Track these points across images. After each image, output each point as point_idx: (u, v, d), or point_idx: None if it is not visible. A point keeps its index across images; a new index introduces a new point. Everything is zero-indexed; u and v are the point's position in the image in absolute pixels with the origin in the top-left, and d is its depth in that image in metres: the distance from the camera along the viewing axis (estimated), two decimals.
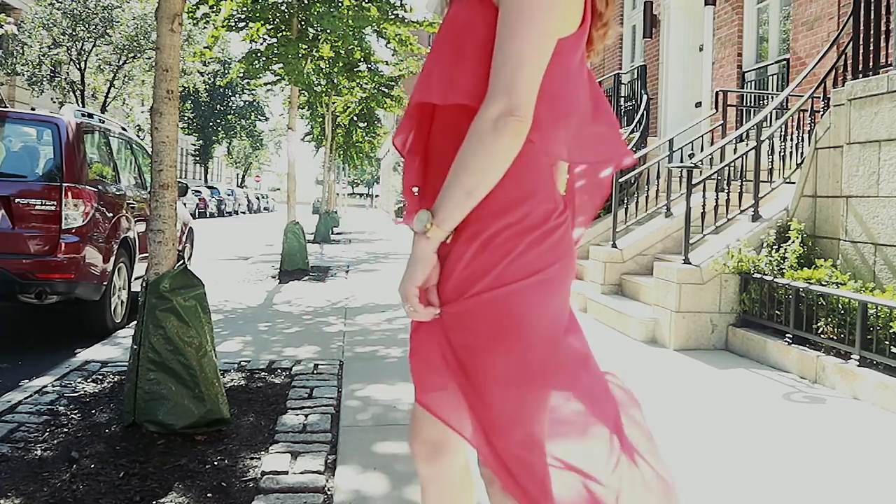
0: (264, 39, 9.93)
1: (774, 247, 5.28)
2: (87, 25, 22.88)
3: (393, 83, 15.14)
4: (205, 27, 9.82)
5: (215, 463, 2.87)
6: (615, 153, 1.46)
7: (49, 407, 3.52)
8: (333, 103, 16.13)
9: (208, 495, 2.57)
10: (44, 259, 5.14)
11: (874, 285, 4.55)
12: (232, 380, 4.08)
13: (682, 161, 7.82)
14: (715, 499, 2.68)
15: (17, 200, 5.14)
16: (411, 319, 1.41)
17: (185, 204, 11.51)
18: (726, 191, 6.21)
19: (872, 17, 5.17)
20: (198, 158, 51.57)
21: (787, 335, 4.71)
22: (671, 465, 1.56)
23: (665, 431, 3.42)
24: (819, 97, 6.50)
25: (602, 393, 1.52)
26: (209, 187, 39.41)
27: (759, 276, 5.07)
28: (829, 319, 4.39)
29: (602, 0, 1.37)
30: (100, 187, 5.70)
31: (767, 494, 2.71)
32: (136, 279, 6.32)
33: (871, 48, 5.17)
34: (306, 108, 17.62)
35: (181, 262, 3.31)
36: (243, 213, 45.75)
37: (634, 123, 9.60)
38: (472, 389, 1.34)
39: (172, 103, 3.26)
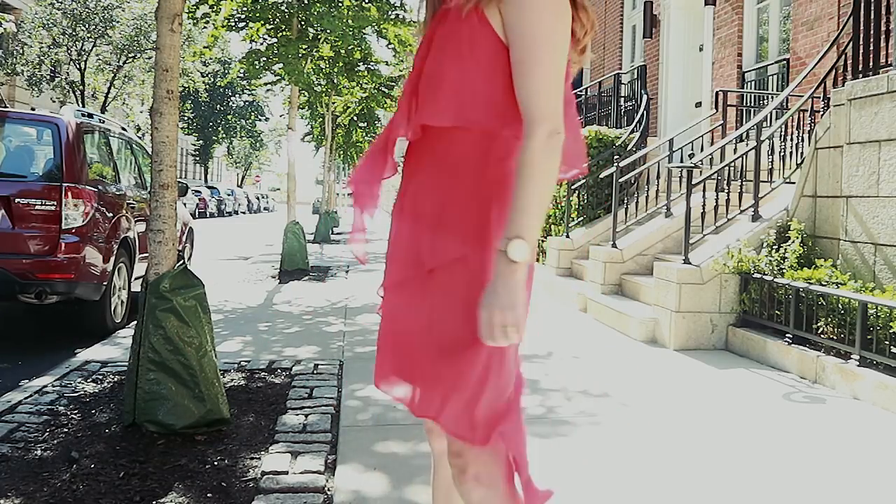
0: (264, 39, 9.93)
1: (774, 247, 5.28)
2: (87, 25, 22.89)
3: (393, 83, 15.13)
4: (205, 27, 9.82)
5: (215, 463, 2.87)
6: (579, 161, 1.57)
7: (49, 407, 3.52)
8: (333, 103, 16.12)
9: (208, 495, 2.57)
10: (44, 259, 5.14)
11: (874, 285, 4.55)
12: (232, 380, 4.08)
13: (682, 161, 7.83)
14: (715, 499, 2.68)
15: (17, 200, 5.14)
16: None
17: (185, 204, 11.51)
18: (726, 191, 6.21)
19: (872, 17, 5.17)
20: (198, 158, 51.56)
21: (787, 335, 4.71)
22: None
23: (665, 431, 3.42)
24: (819, 97, 6.50)
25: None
26: (209, 187, 39.41)
27: (759, 276, 5.07)
28: (829, 319, 4.38)
29: (581, 28, 1.47)
30: (100, 187, 5.70)
31: (767, 494, 2.71)
32: (136, 279, 6.32)
33: (871, 48, 5.17)
34: (306, 108, 17.60)
35: (181, 262, 3.31)
36: (243, 213, 45.74)
37: (634, 123, 9.59)
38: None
39: (172, 103, 3.26)
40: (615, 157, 8.26)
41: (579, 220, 8.88)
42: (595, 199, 9.01)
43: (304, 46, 9.71)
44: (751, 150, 5.98)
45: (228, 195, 41.97)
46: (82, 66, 23.95)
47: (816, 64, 6.56)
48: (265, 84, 11.67)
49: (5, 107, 17.25)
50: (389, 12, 9.71)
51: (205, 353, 3.19)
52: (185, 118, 47.14)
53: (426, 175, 1.47)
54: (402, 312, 1.49)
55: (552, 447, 3.14)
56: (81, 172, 5.45)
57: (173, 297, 3.16)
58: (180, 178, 19.20)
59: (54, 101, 23.32)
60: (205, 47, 10.78)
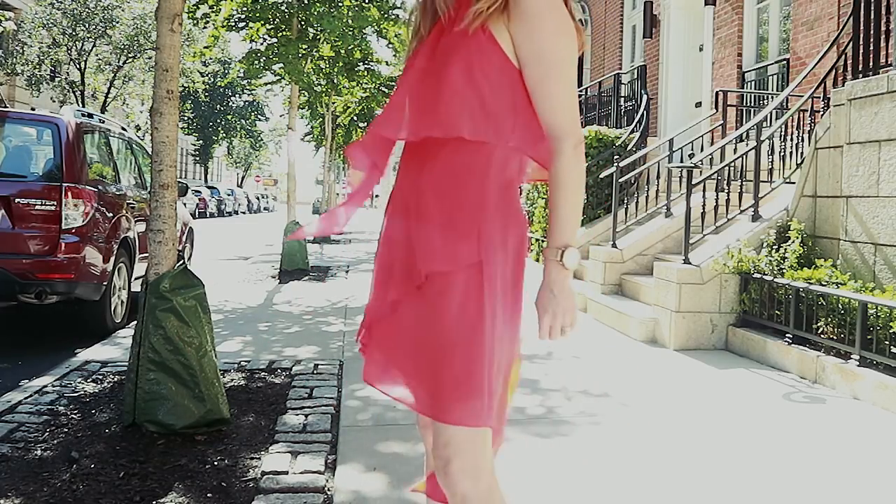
0: (264, 39, 9.93)
1: (774, 247, 5.28)
2: (87, 25, 22.89)
3: (393, 83, 15.12)
4: (205, 27, 9.82)
5: (215, 463, 2.87)
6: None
7: (49, 407, 3.52)
8: (333, 103, 16.12)
9: (208, 495, 2.57)
10: (44, 259, 5.14)
11: (874, 285, 4.55)
12: (232, 380, 4.08)
13: (682, 161, 7.83)
14: (715, 499, 2.68)
15: (17, 200, 5.14)
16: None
17: (184, 204, 11.50)
18: (726, 191, 6.21)
19: (872, 17, 5.17)
20: (198, 158, 51.56)
21: (787, 335, 4.71)
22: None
23: (665, 431, 3.42)
24: (819, 97, 6.50)
25: None
26: (209, 187, 39.41)
27: (759, 276, 5.07)
28: (829, 319, 4.38)
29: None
30: (100, 187, 5.70)
31: (767, 495, 2.71)
32: (136, 279, 6.32)
33: (871, 48, 5.17)
34: (306, 108, 17.61)
35: (181, 262, 3.31)
36: (243, 213, 45.74)
37: (634, 123, 9.59)
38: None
39: (172, 103, 3.26)
40: (615, 157, 8.26)
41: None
42: (595, 199, 9.01)
43: (304, 46, 9.71)
44: (751, 150, 5.98)
45: (228, 195, 41.97)
46: (82, 66, 23.95)
47: (816, 64, 6.56)
48: (265, 84, 11.68)
49: (5, 107, 17.25)
50: (389, 12, 9.71)
51: (205, 353, 3.19)
52: (185, 118, 47.14)
53: (431, 180, 1.50)
54: (407, 312, 1.53)
55: (552, 447, 3.14)
56: (81, 172, 5.45)
57: (173, 297, 3.16)
58: (180, 178, 19.20)
59: (54, 101, 23.32)
60: (205, 47, 10.78)
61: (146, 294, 3.18)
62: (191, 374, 3.14)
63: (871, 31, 5.18)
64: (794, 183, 5.86)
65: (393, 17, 9.80)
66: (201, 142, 50.48)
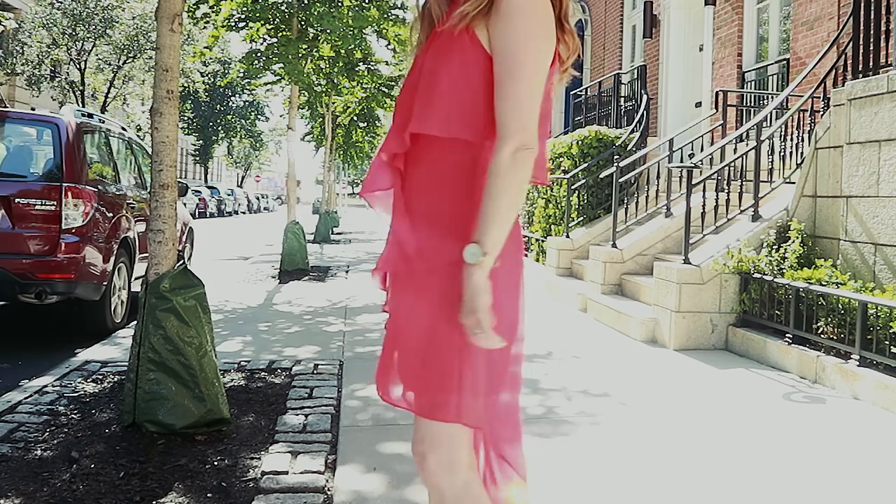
0: (264, 39, 9.93)
1: (774, 247, 5.28)
2: (87, 25, 22.88)
3: (393, 83, 15.13)
4: (205, 27, 9.82)
5: (215, 463, 2.87)
6: (542, 173, 1.62)
7: (49, 407, 3.52)
8: (333, 103, 16.12)
9: (208, 495, 2.57)
10: (44, 259, 5.14)
11: (874, 285, 4.55)
12: (232, 380, 4.08)
13: (682, 161, 7.82)
14: (715, 498, 2.68)
15: (17, 200, 5.14)
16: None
17: (184, 204, 11.50)
18: (726, 191, 6.22)
19: (872, 17, 5.17)
20: (198, 158, 51.54)
21: (787, 335, 4.71)
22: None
23: (665, 431, 3.42)
24: (819, 97, 6.49)
25: None
26: (209, 187, 39.40)
27: (759, 276, 5.07)
28: (829, 319, 4.38)
29: (566, 50, 1.56)
30: (100, 187, 5.70)
31: (767, 495, 2.71)
32: (136, 279, 6.32)
33: (871, 48, 5.17)
34: (306, 108, 17.60)
35: (181, 262, 3.31)
36: (243, 213, 45.74)
37: (634, 123, 9.60)
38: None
39: (172, 103, 3.26)
40: (615, 157, 8.26)
41: (579, 220, 8.88)
42: (595, 199, 9.01)
43: (304, 46, 9.70)
44: (751, 150, 5.98)
45: (228, 195, 41.96)
46: (82, 66, 23.95)
47: (816, 64, 6.56)
48: (265, 84, 11.67)
49: (5, 107, 17.25)
50: (389, 12, 9.70)
51: (205, 353, 3.19)
52: (185, 118, 47.11)
53: (419, 180, 1.54)
54: (399, 311, 1.57)
55: (552, 447, 3.14)
56: (81, 172, 5.45)
57: (173, 297, 3.16)
58: (180, 178, 19.19)
59: (54, 100, 23.32)
60: (205, 47, 10.78)
61: (146, 294, 3.18)
62: (191, 374, 3.14)
63: (871, 31, 5.18)
64: (794, 183, 5.86)
65: (393, 17, 9.79)
66: (201, 142, 50.45)
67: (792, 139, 6.81)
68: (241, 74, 10.48)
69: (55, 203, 5.20)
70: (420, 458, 1.52)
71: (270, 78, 11.08)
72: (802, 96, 6.48)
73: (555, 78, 1.59)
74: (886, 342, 3.92)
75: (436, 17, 1.56)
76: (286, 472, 2.76)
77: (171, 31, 3.22)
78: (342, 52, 10.75)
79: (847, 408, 3.87)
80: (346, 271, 10.23)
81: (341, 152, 22.41)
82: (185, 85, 28.53)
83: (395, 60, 15.49)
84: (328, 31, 9.14)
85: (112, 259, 5.72)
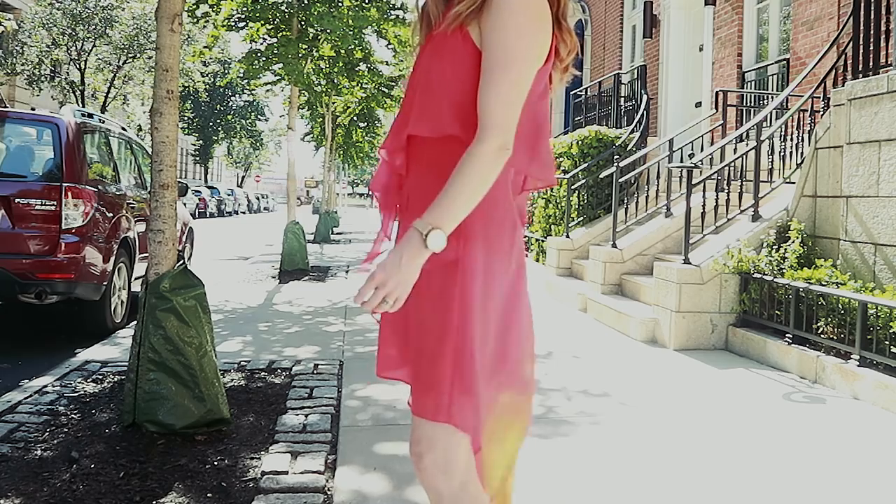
0: (264, 39, 9.93)
1: (774, 247, 5.28)
2: (86, 25, 22.88)
3: (393, 83, 15.13)
4: (205, 27, 9.82)
5: (215, 463, 2.87)
6: (551, 174, 1.62)
7: (49, 407, 3.52)
8: (333, 103, 16.11)
9: (208, 495, 2.57)
10: (44, 259, 5.14)
11: (874, 285, 4.55)
12: (232, 380, 4.08)
13: (682, 161, 7.82)
14: (715, 498, 2.68)
15: (17, 200, 5.14)
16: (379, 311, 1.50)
17: (184, 204, 11.50)
18: (726, 191, 6.22)
19: (872, 17, 5.17)
20: (198, 158, 51.53)
21: (787, 335, 4.71)
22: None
23: (665, 431, 3.42)
24: (819, 97, 6.49)
25: None
26: (209, 187, 39.39)
27: (759, 276, 5.07)
28: (829, 319, 4.38)
29: (565, 48, 1.55)
30: (100, 187, 5.70)
31: (767, 495, 2.71)
32: (136, 279, 6.32)
33: (871, 48, 5.17)
34: (306, 108, 17.60)
35: (181, 262, 3.31)
36: (243, 213, 45.74)
37: (634, 123, 9.60)
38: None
39: (172, 103, 3.26)
40: (615, 157, 8.26)
41: (579, 220, 8.88)
42: (595, 199, 9.01)
43: (304, 46, 9.70)
44: (751, 150, 5.98)
45: (228, 195, 41.96)
46: (82, 65, 23.94)
47: (816, 64, 6.56)
48: (265, 84, 11.67)
49: (5, 107, 17.24)
50: (389, 12, 9.70)
51: (205, 353, 3.19)
52: (185, 118, 47.10)
53: (418, 181, 1.55)
54: (402, 310, 1.54)
55: (552, 447, 3.14)
56: (81, 172, 5.45)
57: (173, 297, 3.16)
58: (180, 178, 19.19)
59: (54, 100, 23.32)
60: (205, 47, 10.78)
61: (146, 294, 3.18)
62: (191, 374, 3.14)
63: (871, 31, 5.18)
64: (794, 183, 5.86)
65: (393, 17, 9.79)
66: (201, 142, 50.45)
67: (792, 139, 6.81)
68: (241, 74, 10.48)
69: (55, 203, 5.20)
70: (417, 459, 1.52)
71: (270, 78, 11.09)
72: (802, 96, 6.48)
73: (555, 77, 1.58)
74: (886, 342, 3.92)
75: (433, 19, 1.57)
76: (286, 472, 2.76)
77: (171, 31, 3.22)
78: (342, 52, 10.75)
79: (847, 408, 3.87)
80: (346, 271, 10.24)
81: (341, 152, 22.40)
82: (185, 85, 28.54)
83: (395, 60, 15.48)
84: (328, 31, 9.14)
85: (112, 259, 5.72)
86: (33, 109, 11.15)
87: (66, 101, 23.45)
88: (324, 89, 12.69)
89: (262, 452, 2.98)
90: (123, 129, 7.23)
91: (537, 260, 9.65)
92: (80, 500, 2.51)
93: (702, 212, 5.98)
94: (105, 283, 5.60)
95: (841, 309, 4.29)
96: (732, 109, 8.93)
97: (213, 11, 9.27)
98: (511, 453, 1.69)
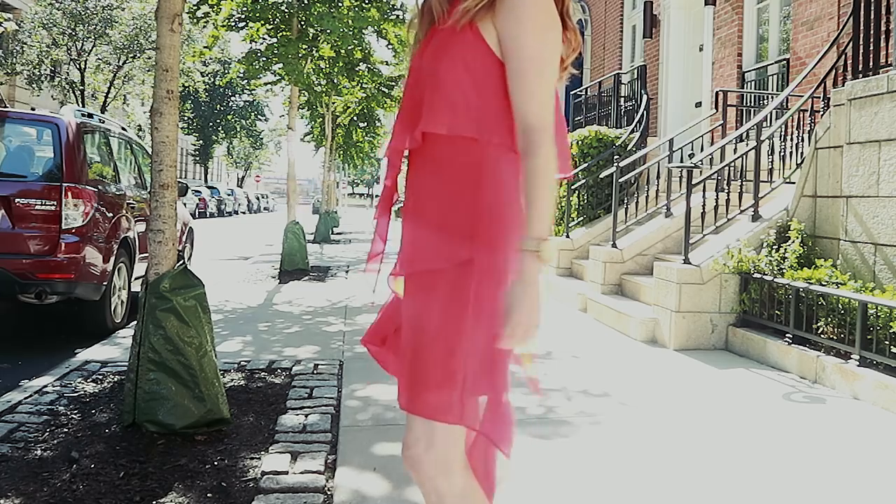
0: (264, 39, 9.93)
1: (774, 247, 5.28)
2: (86, 25, 22.88)
3: (393, 83, 15.13)
4: (205, 27, 9.82)
5: (215, 463, 2.87)
6: (566, 167, 1.64)
7: (49, 407, 3.52)
8: (333, 103, 16.11)
9: (208, 495, 2.57)
10: (44, 259, 5.14)
11: (874, 285, 4.55)
12: (232, 380, 4.08)
13: (682, 161, 7.82)
14: (715, 498, 2.68)
15: (17, 200, 5.14)
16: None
17: (185, 205, 11.50)
18: (726, 191, 6.21)
19: (872, 17, 5.17)
20: (198, 158, 51.54)
21: (787, 335, 4.71)
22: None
23: (665, 431, 3.42)
24: (819, 97, 6.49)
25: None
26: (209, 187, 39.40)
27: (759, 276, 5.07)
28: (829, 319, 4.38)
29: (567, 46, 1.58)
30: (100, 187, 5.70)
31: (767, 495, 2.71)
32: (136, 279, 6.32)
33: (871, 48, 5.17)
34: (306, 108, 17.60)
35: (181, 262, 3.31)
36: (243, 213, 45.74)
37: (634, 123, 9.60)
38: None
39: (172, 103, 3.26)
40: (615, 157, 8.26)
41: (579, 220, 8.88)
42: (595, 199, 9.01)
43: (304, 46, 9.70)
44: (751, 150, 5.98)
45: (228, 195, 41.96)
46: (82, 65, 23.94)
47: (816, 64, 6.56)
48: (265, 84, 11.67)
49: (5, 107, 17.24)
50: (389, 12, 9.70)
51: (205, 353, 3.19)
52: (185, 118, 47.11)
53: (428, 180, 1.53)
54: (411, 310, 1.54)
55: (552, 447, 3.14)
56: (81, 172, 5.45)
57: (173, 297, 3.16)
58: (180, 178, 19.18)
59: (54, 100, 23.32)
60: (205, 47, 10.78)
61: (146, 294, 3.18)
62: (191, 374, 3.14)
63: (871, 31, 5.18)
64: (794, 183, 5.86)
65: (393, 17, 9.79)
66: (201, 142, 50.46)
67: (792, 139, 6.81)
68: (241, 74, 10.48)
69: (55, 203, 5.20)
70: (414, 462, 1.50)
71: (270, 78, 11.09)
72: (802, 96, 6.48)
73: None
74: (886, 342, 3.92)
75: (436, 14, 1.54)
76: (286, 472, 2.76)
77: (171, 31, 3.22)
78: (342, 52, 10.75)
79: (847, 408, 3.87)
80: (346, 271, 10.24)
81: (341, 152, 22.40)
82: (185, 85, 28.54)
83: (395, 60, 15.48)
84: (328, 31, 9.14)
85: (112, 259, 5.72)
86: (33, 109, 11.15)
87: (66, 101, 23.45)
88: (324, 89, 12.69)
89: (262, 452, 2.98)
90: (123, 129, 7.23)
91: None
92: (80, 500, 2.51)
93: (702, 212, 5.98)
94: (105, 283, 5.60)
95: (841, 309, 4.29)
96: (732, 109, 8.93)
97: (213, 12, 9.28)
98: None
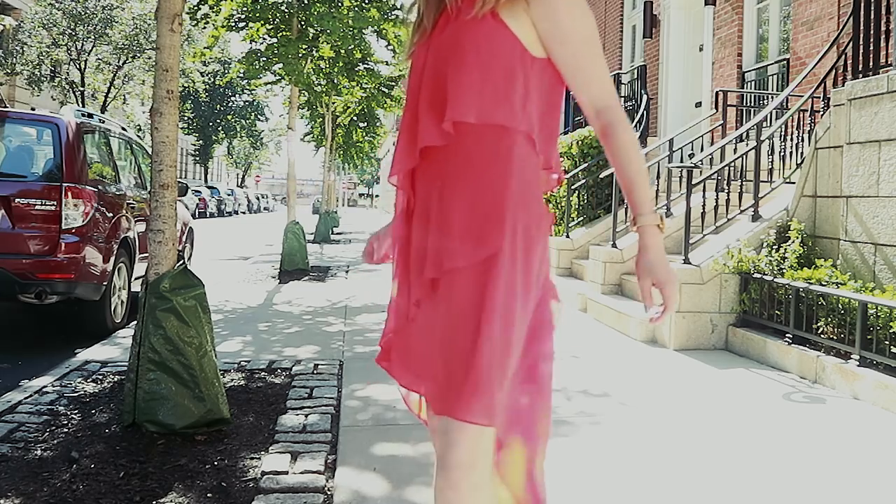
0: (264, 39, 9.93)
1: (774, 247, 5.28)
2: (86, 25, 22.88)
3: (393, 83, 15.13)
4: (205, 27, 9.82)
5: (215, 463, 2.87)
6: (559, 168, 1.67)
7: (49, 407, 3.52)
8: (333, 103, 16.12)
9: (208, 495, 2.57)
10: (44, 259, 5.14)
11: (874, 285, 4.55)
12: (232, 380, 4.08)
13: (682, 161, 7.82)
14: (715, 498, 2.68)
15: (17, 200, 5.14)
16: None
17: (186, 207, 11.50)
18: (726, 191, 6.21)
19: (872, 17, 5.17)
20: (198, 158, 51.56)
21: (787, 335, 4.71)
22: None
23: (665, 431, 3.42)
24: (819, 97, 6.50)
25: None
26: (209, 187, 39.40)
27: (759, 276, 5.07)
28: (829, 319, 4.38)
29: None
30: (100, 187, 5.70)
31: (767, 495, 2.71)
32: (136, 279, 6.32)
33: (871, 48, 5.17)
34: (306, 108, 17.61)
35: (181, 262, 3.31)
36: (243, 213, 45.74)
37: (634, 123, 9.60)
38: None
39: (172, 103, 3.26)
40: None
41: (579, 220, 8.88)
42: (595, 199, 9.01)
43: (304, 46, 9.71)
44: (751, 150, 5.98)
45: (228, 195, 41.97)
46: (82, 66, 23.95)
47: (816, 64, 6.56)
48: (265, 84, 11.68)
49: (5, 107, 17.24)
50: (389, 12, 9.71)
51: (205, 353, 3.19)
52: (185, 118, 47.13)
53: (453, 176, 1.47)
54: (426, 312, 1.49)
55: (552, 447, 3.13)
56: (81, 172, 5.45)
57: (173, 297, 3.16)
58: (180, 178, 19.16)
59: (54, 100, 23.32)
60: (205, 47, 10.78)
61: (146, 294, 3.18)
62: (191, 374, 3.14)
63: (871, 31, 5.18)
64: (794, 183, 5.86)
65: (393, 17, 9.80)
66: (201, 142, 50.47)
67: (792, 139, 6.81)
68: (241, 74, 10.48)
69: (55, 203, 5.20)
70: (457, 471, 1.43)
71: (270, 78, 11.10)
72: (802, 96, 6.48)
73: None
74: (886, 342, 3.92)
75: (448, 3, 1.50)
76: (286, 473, 2.76)
77: (171, 31, 3.22)
78: (342, 52, 10.75)
79: (847, 408, 3.87)
80: (346, 271, 10.24)
81: (341, 152, 22.41)
82: (185, 85, 28.54)
83: (395, 60, 15.48)
84: (328, 31, 9.14)
85: (112, 259, 5.72)
86: (33, 109, 11.15)
87: (66, 101, 23.45)
88: (324, 89, 12.69)
89: (262, 452, 2.98)
90: (123, 129, 7.23)
91: None
92: (80, 500, 2.51)
93: (702, 212, 5.98)
94: (105, 283, 5.60)
95: (841, 309, 4.29)
96: (732, 109, 8.94)
97: (213, 12, 9.28)
98: None
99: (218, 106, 49.81)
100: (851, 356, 4.14)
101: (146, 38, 23.71)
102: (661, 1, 11.77)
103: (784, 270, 5.00)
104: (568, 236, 8.42)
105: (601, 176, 8.39)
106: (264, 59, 9.74)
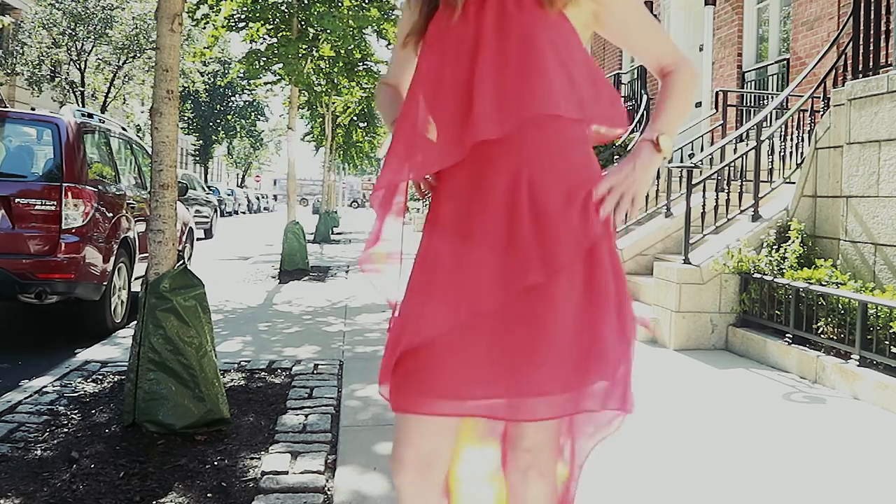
0: (264, 39, 9.93)
1: (774, 247, 5.28)
2: (86, 25, 22.88)
3: None
4: (205, 27, 9.82)
5: (215, 463, 2.87)
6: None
7: (49, 407, 3.52)
8: (333, 103, 16.12)
9: (208, 495, 2.57)
10: (44, 259, 5.14)
11: (874, 285, 4.55)
12: (232, 380, 4.08)
13: (682, 161, 7.82)
14: (715, 498, 2.68)
15: (17, 200, 5.14)
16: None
17: (187, 209, 11.51)
18: (726, 191, 6.21)
19: (872, 17, 5.17)
20: (198, 158, 51.55)
21: (787, 335, 4.71)
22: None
23: (665, 431, 3.42)
24: (819, 97, 6.50)
25: None
26: (209, 187, 39.37)
27: (759, 276, 5.07)
28: (829, 319, 4.38)
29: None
30: (100, 187, 5.70)
31: (767, 495, 2.71)
32: (136, 279, 6.32)
33: (871, 48, 5.17)
34: (306, 108, 17.61)
35: (181, 262, 3.31)
36: (243, 213, 45.73)
37: (634, 123, 9.60)
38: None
39: (172, 103, 3.26)
40: (615, 157, 8.26)
41: None
42: None
43: (304, 46, 9.71)
44: (751, 150, 5.98)
45: (228, 195, 41.95)
46: (82, 66, 23.94)
47: (816, 64, 6.56)
48: (265, 84, 11.68)
49: (5, 107, 17.25)
50: (389, 12, 9.71)
51: (205, 353, 3.19)
52: (185, 118, 47.12)
53: (539, 169, 1.42)
54: (556, 302, 1.41)
55: None
56: (81, 172, 5.45)
57: (173, 297, 3.16)
58: (179, 178, 19.12)
59: (54, 100, 23.32)
60: (205, 47, 10.78)
61: (146, 294, 3.18)
62: (191, 374, 3.14)
63: (871, 31, 5.18)
64: (794, 183, 5.86)
65: (393, 17, 9.80)
66: (201, 142, 50.48)
67: (792, 139, 6.81)
68: (242, 74, 10.48)
69: (55, 203, 5.20)
70: (543, 467, 1.52)
71: (270, 78, 11.09)
72: (802, 96, 6.48)
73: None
74: (886, 342, 3.92)
75: None
76: (286, 472, 2.76)
77: (171, 31, 3.22)
78: (342, 52, 10.75)
79: (847, 408, 3.87)
80: (346, 271, 10.24)
81: (341, 152, 22.41)
82: (185, 85, 28.52)
83: None
84: (328, 31, 9.14)
85: (112, 259, 5.72)
86: (33, 109, 11.15)
87: (66, 102, 23.44)
88: (324, 89, 12.69)
89: (262, 452, 2.98)
90: (123, 129, 7.23)
91: None
92: (80, 500, 2.51)
93: (702, 212, 5.98)
94: (105, 283, 5.60)
95: (841, 309, 4.29)
96: (732, 109, 8.94)
97: (213, 12, 9.28)
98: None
99: (218, 106, 49.81)
100: (851, 356, 4.14)
101: (146, 38, 23.69)
102: (661, 1, 11.78)
103: (784, 270, 5.00)
104: None
105: None
106: (264, 59, 9.74)
